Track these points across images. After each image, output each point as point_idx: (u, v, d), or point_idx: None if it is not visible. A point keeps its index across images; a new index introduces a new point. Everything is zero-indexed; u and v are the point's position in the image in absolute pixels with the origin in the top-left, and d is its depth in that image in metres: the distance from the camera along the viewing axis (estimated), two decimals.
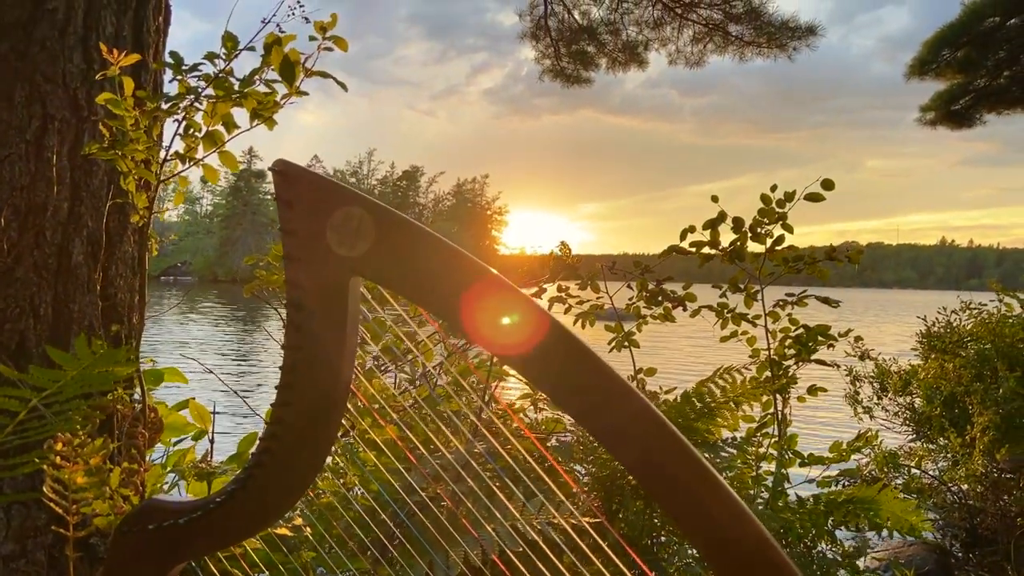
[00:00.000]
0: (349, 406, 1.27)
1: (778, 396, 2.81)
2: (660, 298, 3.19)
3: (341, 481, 1.48)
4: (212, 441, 1.86)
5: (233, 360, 15.51)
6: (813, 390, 2.96)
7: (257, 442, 1.19)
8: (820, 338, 2.90)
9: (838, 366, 5.73)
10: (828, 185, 3.07)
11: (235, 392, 2.18)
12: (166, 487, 2.11)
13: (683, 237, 3.32)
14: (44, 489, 1.16)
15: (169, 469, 2.11)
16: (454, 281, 1.11)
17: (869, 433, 3.48)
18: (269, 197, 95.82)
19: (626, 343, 3.18)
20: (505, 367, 2.17)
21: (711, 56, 8.13)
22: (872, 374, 5.96)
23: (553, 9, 8.24)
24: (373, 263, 1.15)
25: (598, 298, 3.24)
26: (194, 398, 2.78)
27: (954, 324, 5.08)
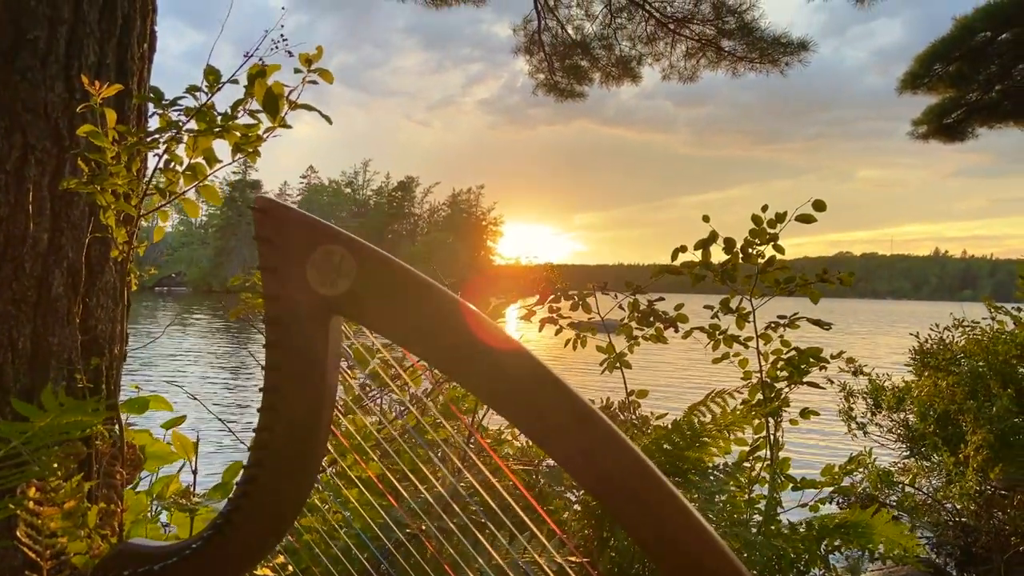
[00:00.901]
0: (330, 446, 1.25)
1: (770, 419, 2.79)
2: (652, 318, 3.18)
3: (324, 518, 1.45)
4: (195, 472, 1.83)
5: (227, 374, 15.44)
6: (806, 413, 2.94)
7: (235, 487, 1.17)
8: (812, 360, 2.89)
9: (831, 382, 5.73)
10: (819, 206, 3.06)
11: (221, 420, 2.15)
12: (150, 514, 2.08)
13: (674, 257, 3.31)
14: (18, 534, 1.14)
15: (153, 497, 2.08)
16: (434, 320, 1.09)
17: (861, 455, 3.47)
18: None
19: (618, 364, 3.17)
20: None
21: (704, 71, 8.17)
22: (866, 390, 5.94)
23: (547, 24, 8.26)
24: (354, 302, 1.13)
25: (589, 319, 3.22)
26: (185, 416, 2.76)
27: (947, 341, 5.07)
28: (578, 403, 0.99)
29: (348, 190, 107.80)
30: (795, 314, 3.00)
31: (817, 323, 2.96)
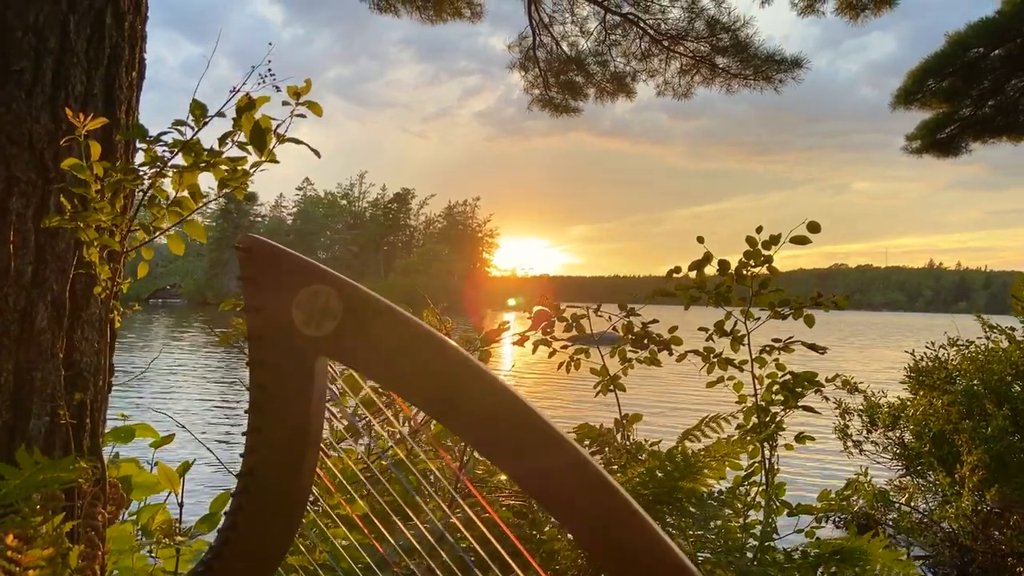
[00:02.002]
0: (314, 489, 1.22)
1: (766, 444, 2.77)
2: (646, 340, 3.16)
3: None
4: (181, 505, 1.80)
5: (223, 387, 15.36)
6: (801, 438, 2.92)
7: (217, 534, 1.15)
8: (807, 384, 2.87)
9: (828, 399, 5.71)
10: (814, 227, 3.05)
11: (210, 450, 2.13)
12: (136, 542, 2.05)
13: (668, 276, 3.30)
14: None
15: (139, 527, 2.05)
16: (420, 362, 1.07)
17: (858, 480, 3.45)
18: (260, 219, 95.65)
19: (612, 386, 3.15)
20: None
21: (699, 87, 8.19)
22: (861, 407, 5.93)
23: (541, 40, 8.29)
24: (340, 343, 1.11)
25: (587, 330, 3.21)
26: (174, 435, 2.73)
27: (942, 359, 5.06)
28: (569, 451, 0.97)
29: (344, 202, 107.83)
30: (790, 338, 2.98)
31: (812, 347, 2.94)
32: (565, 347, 3.16)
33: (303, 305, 1.12)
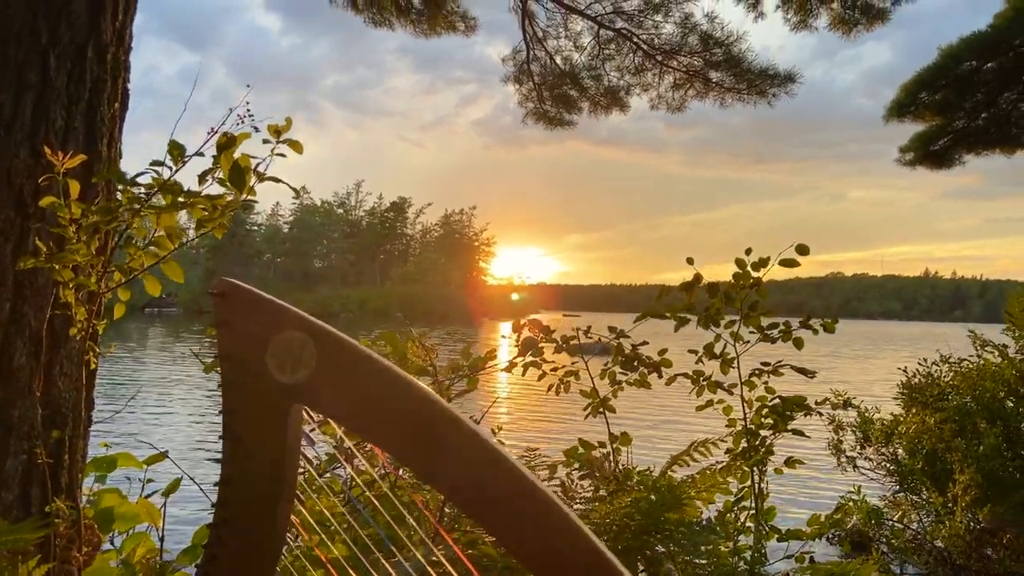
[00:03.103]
0: (289, 536, 1.21)
1: (755, 469, 2.76)
2: (636, 363, 3.15)
3: None
4: (162, 539, 1.78)
5: (216, 399, 15.27)
6: (791, 462, 2.91)
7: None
8: (796, 408, 2.86)
9: (820, 414, 5.70)
10: (803, 251, 3.05)
11: (193, 480, 2.10)
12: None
13: (659, 298, 3.30)
14: None
15: (122, 559, 2.03)
16: (396, 411, 1.06)
17: (848, 504, 3.44)
18: (256, 228, 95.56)
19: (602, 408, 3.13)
20: None
21: (692, 101, 8.21)
22: (855, 423, 5.92)
23: (535, 55, 8.30)
24: (315, 390, 1.10)
25: (573, 363, 3.20)
26: (167, 451, 2.70)
27: (935, 376, 5.05)
28: (555, 511, 0.96)
29: (340, 211, 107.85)
30: (779, 361, 2.97)
31: (801, 371, 2.94)
32: (555, 369, 3.15)
33: (278, 352, 1.11)
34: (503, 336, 3.42)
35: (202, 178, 1.40)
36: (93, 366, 1.46)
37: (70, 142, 1.63)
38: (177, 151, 1.28)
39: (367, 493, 1.29)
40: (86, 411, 1.68)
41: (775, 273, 3.09)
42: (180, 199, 1.28)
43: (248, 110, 1.28)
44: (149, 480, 2.90)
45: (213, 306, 1.15)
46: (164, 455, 2.74)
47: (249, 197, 1.38)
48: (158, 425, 11.74)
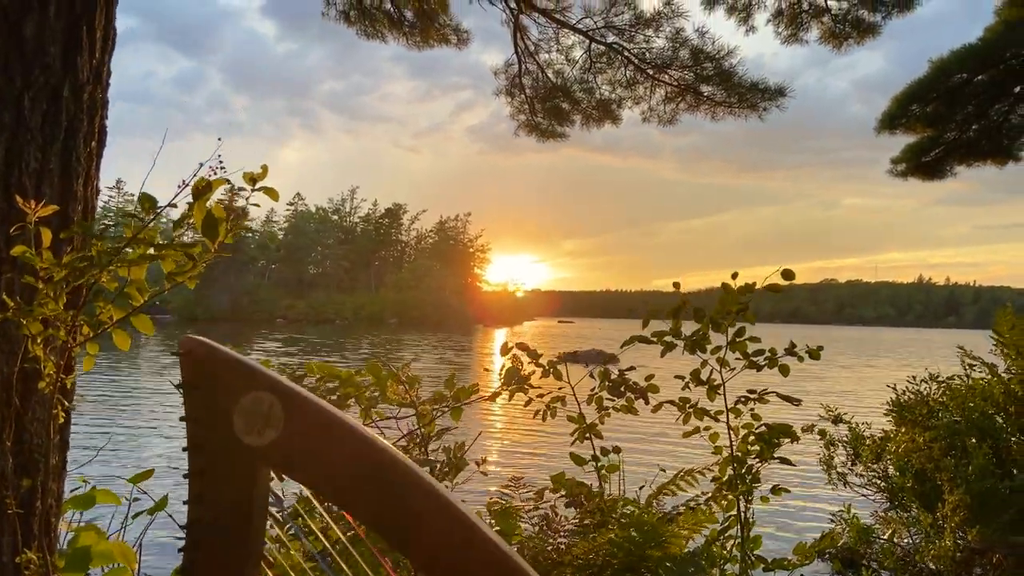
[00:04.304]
0: None
1: (741, 498, 2.75)
2: (623, 388, 3.14)
3: None
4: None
5: None
6: (777, 490, 2.90)
7: None
8: (782, 435, 2.86)
9: (813, 427, 5.70)
10: (788, 275, 3.05)
11: (174, 519, 2.08)
12: None
13: (645, 324, 3.29)
14: None
15: None
16: (366, 477, 1.05)
17: (836, 531, 3.43)
18: (250, 235, 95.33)
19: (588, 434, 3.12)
20: None
21: (683, 114, 8.24)
22: (846, 439, 5.92)
23: (527, 68, 8.32)
24: (282, 453, 1.09)
25: (559, 389, 3.19)
26: (153, 470, 2.69)
27: (924, 393, 5.05)
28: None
29: (335, 217, 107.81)
30: (764, 389, 2.97)
31: (787, 399, 2.93)
32: (541, 396, 3.13)
33: (245, 412, 1.10)
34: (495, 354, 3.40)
35: (176, 227, 1.39)
36: (60, 420, 1.44)
37: (45, 184, 1.62)
38: (148, 203, 1.27)
39: (333, 552, 1.27)
40: (60, 454, 1.66)
41: (769, 279, 3.07)
42: (151, 251, 1.27)
43: (221, 163, 1.27)
44: (135, 499, 2.88)
45: (180, 366, 1.14)
46: (150, 473, 2.73)
47: (221, 251, 1.37)
48: (148, 436, 11.70)
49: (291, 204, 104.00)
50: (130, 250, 1.28)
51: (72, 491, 2.51)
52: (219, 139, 1.23)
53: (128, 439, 11.18)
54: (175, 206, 1.29)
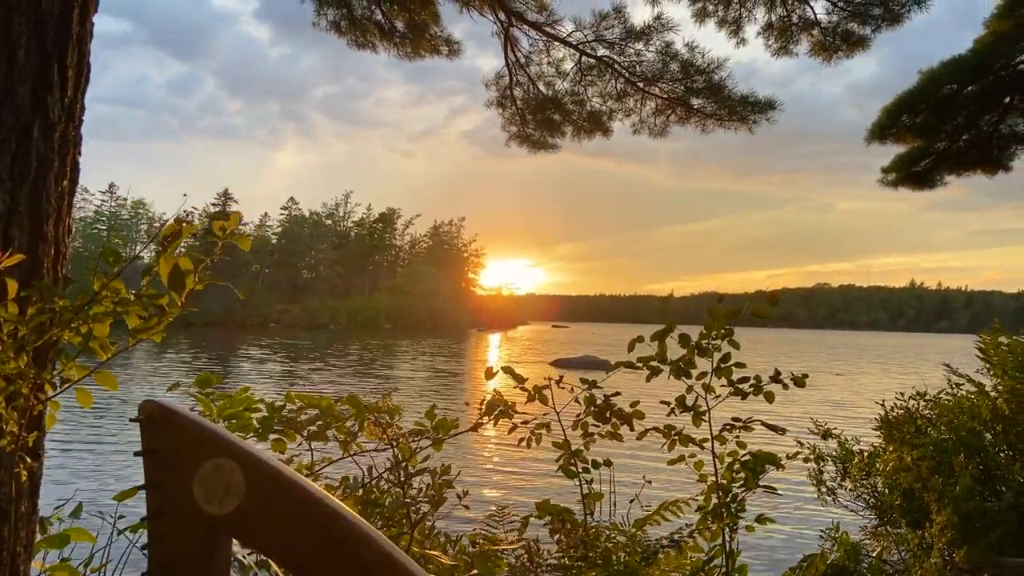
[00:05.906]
0: None
1: (726, 528, 2.73)
2: (608, 414, 3.12)
3: None
4: None
5: None
6: (762, 519, 2.88)
7: None
8: (768, 463, 2.84)
9: (800, 443, 5.69)
10: (774, 299, 3.04)
11: (140, 550, 2.06)
12: None
13: (631, 348, 3.27)
14: None
15: None
16: (329, 549, 1.03)
17: (822, 555, 3.42)
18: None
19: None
20: None
21: (674, 126, 8.24)
22: (835, 453, 5.91)
23: (518, 80, 8.31)
24: (244, 522, 1.07)
25: (544, 415, 3.17)
26: (139, 487, 2.64)
27: (912, 410, 5.05)
28: None
29: (329, 222, 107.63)
30: (750, 418, 2.95)
31: (772, 428, 2.91)
32: (526, 422, 3.11)
33: (205, 480, 1.08)
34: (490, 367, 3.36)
35: (144, 276, 1.37)
36: (24, 479, 1.42)
37: (13, 226, 1.59)
38: (113, 258, 1.25)
39: None
40: (30, 499, 1.63)
41: (763, 283, 3.08)
42: (116, 307, 1.25)
43: (188, 214, 1.25)
44: (120, 516, 2.85)
45: (140, 431, 1.12)
46: (136, 491, 2.69)
47: (187, 306, 1.35)
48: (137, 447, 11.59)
49: (285, 208, 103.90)
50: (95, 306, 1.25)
51: (57, 507, 2.48)
52: (184, 194, 1.20)
53: (116, 452, 11.12)
54: (141, 257, 1.26)
